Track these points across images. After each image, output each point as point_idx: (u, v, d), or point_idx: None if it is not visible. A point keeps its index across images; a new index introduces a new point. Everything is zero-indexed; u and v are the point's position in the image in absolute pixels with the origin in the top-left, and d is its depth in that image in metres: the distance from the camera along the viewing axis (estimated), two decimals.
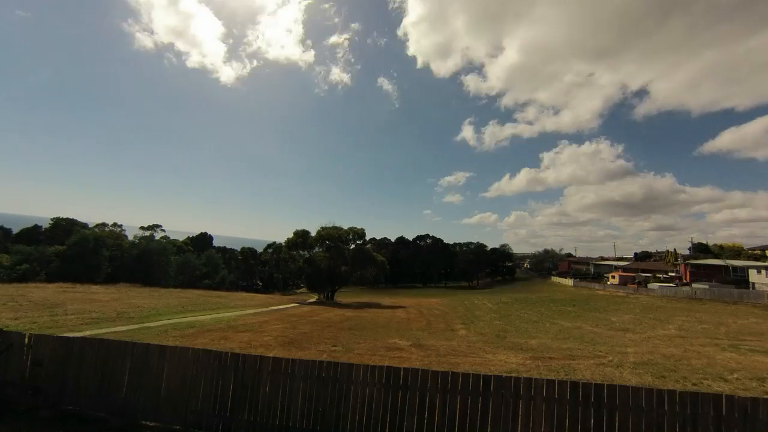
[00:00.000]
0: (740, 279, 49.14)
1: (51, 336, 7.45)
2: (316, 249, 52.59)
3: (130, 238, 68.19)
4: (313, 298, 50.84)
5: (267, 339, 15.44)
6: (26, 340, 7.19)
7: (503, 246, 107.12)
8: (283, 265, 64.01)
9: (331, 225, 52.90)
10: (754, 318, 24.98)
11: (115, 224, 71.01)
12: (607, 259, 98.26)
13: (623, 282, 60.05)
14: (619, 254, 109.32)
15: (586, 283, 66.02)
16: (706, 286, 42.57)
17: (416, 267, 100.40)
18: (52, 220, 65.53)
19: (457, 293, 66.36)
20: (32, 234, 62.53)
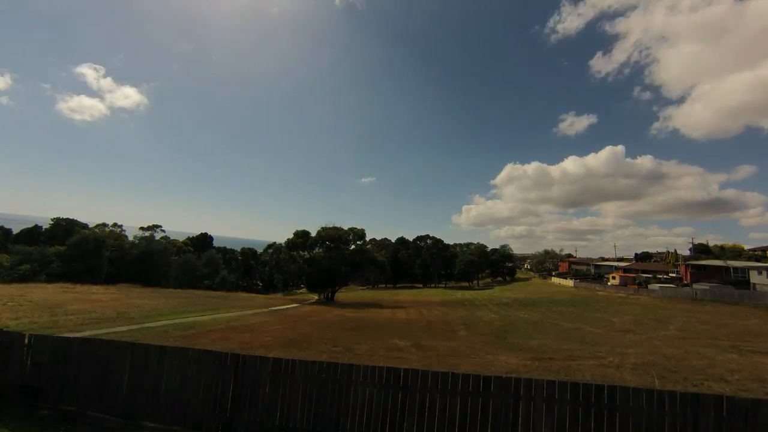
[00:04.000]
0: (741, 280, 49.01)
1: (51, 336, 7.46)
2: (317, 249, 52.55)
3: (131, 238, 68.15)
4: (314, 299, 50.81)
5: (267, 339, 15.44)
6: (26, 340, 7.19)
7: (503, 246, 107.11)
8: (284, 265, 64.06)
9: (331, 225, 52.88)
10: (755, 319, 24.95)
11: (115, 224, 70.95)
12: (607, 260, 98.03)
13: (624, 283, 59.92)
14: (619, 255, 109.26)
15: (587, 283, 65.88)
16: (707, 287, 42.48)
17: (416, 267, 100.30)
18: (52, 220, 65.54)
19: (457, 294, 66.29)
20: (32, 234, 62.59)
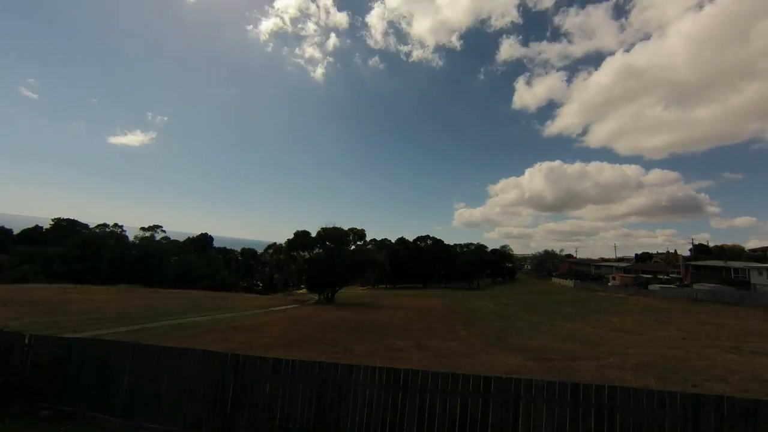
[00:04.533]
0: (741, 280, 49.00)
1: (51, 336, 7.46)
2: (317, 250, 52.50)
3: (131, 239, 68.24)
4: (314, 299, 50.77)
5: (267, 340, 15.44)
6: (26, 340, 7.20)
7: (504, 247, 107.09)
8: (284, 265, 63.96)
9: (331, 226, 52.84)
10: (756, 319, 24.93)
11: (115, 225, 70.98)
12: (608, 261, 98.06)
13: (624, 283, 59.92)
14: (619, 255, 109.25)
15: (587, 284, 65.86)
16: (707, 288, 42.45)
17: (416, 268, 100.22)
18: (53, 220, 65.62)
19: (457, 294, 66.27)
20: (33, 235, 62.59)
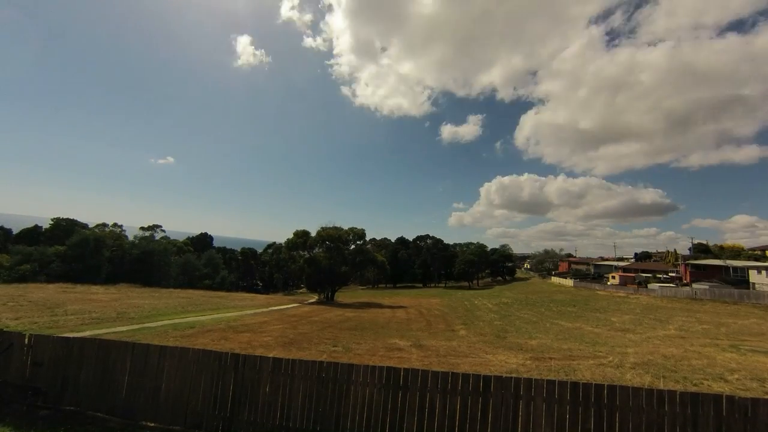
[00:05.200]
0: (740, 279, 49.01)
1: (51, 336, 7.46)
2: (317, 249, 52.47)
3: (131, 238, 68.07)
4: (314, 299, 50.81)
5: (267, 339, 15.44)
6: (26, 340, 7.20)
7: (503, 246, 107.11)
8: (284, 265, 63.91)
9: (331, 225, 52.82)
10: (755, 318, 24.94)
11: (115, 224, 70.82)
12: (607, 260, 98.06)
13: (623, 282, 59.93)
14: (619, 254, 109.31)
15: (587, 283, 65.81)
16: (707, 287, 42.49)
17: (416, 267, 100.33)
18: (52, 220, 65.45)
19: (457, 293, 66.30)
20: (32, 234, 62.49)
